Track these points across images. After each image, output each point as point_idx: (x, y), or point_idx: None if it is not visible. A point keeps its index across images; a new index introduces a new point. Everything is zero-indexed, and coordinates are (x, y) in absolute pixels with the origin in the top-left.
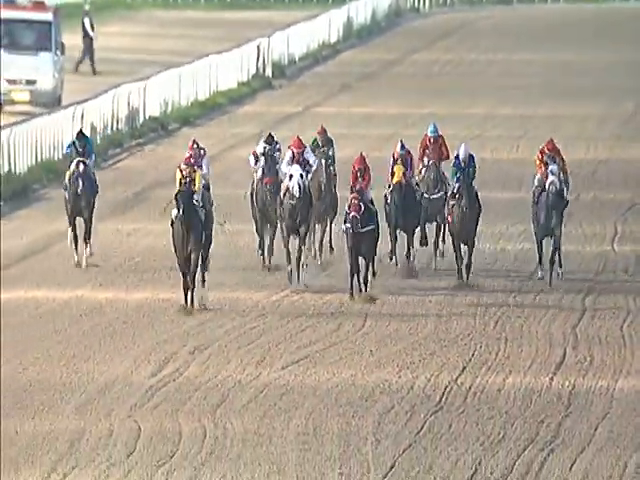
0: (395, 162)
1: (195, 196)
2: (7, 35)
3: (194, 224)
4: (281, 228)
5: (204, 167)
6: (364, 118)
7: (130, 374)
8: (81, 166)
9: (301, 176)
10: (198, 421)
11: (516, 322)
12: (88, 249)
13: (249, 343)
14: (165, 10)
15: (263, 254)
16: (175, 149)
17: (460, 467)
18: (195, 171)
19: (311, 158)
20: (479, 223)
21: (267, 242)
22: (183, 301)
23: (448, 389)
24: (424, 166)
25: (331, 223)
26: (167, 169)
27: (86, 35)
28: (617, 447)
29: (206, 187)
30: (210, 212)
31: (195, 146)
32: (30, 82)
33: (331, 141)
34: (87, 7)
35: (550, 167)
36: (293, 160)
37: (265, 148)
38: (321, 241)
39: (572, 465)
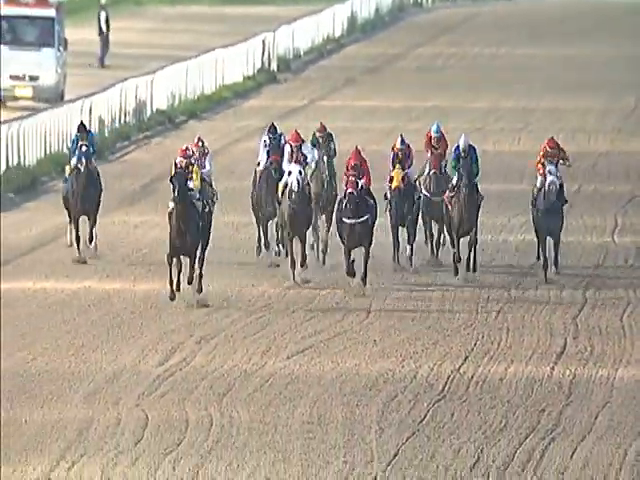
0: (395, 157)
1: (190, 184)
2: (10, 31)
3: (189, 208)
4: (283, 229)
5: (207, 164)
6: (368, 111)
7: (137, 363)
8: (84, 147)
9: (300, 172)
10: (205, 410)
11: (517, 312)
12: (92, 247)
13: (255, 333)
14: (171, 6)
15: (260, 247)
16: (182, 142)
17: (462, 455)
18: (192, 164)
19: (309, 154)
20: (479, 215)
21: (268, 235)
22: (169, 293)
23: (451, 378)
24: (428, 175)
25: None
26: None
27: (102, 31)
28: (617, 435)
29: (209, 184)
30: (210, 211)
31: (200, 144)
32: (33, 78)
33: (331, 136)
34: (103, 1)
35: (548, 167)
36: (292, 155)
37: (269, 138)
38: (326, 236)
39: (573, 453)
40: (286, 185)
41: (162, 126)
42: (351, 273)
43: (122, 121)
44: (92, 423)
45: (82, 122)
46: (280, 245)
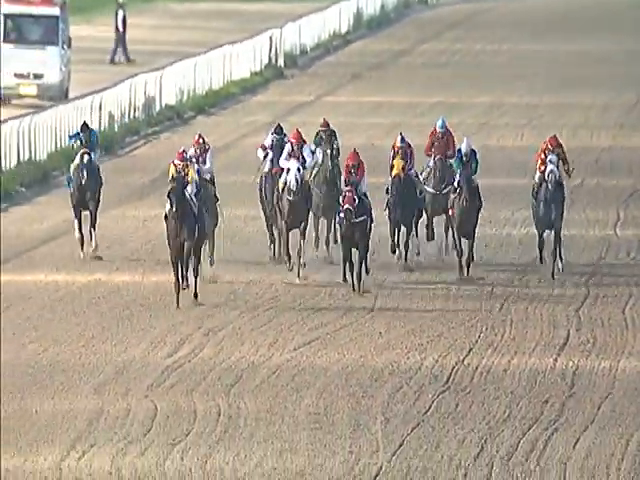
0: (395, 154)
1: (189, 188)
2: (15, 30)
3: (187, 218)
4: (280, 223)
5: (208, 162)
6: (374, 107)
7: (147, 355)
8: (85, 157)
9: (298, 170)
10: (212, 400)
11: (521, 305)
12: (93, 241)
13: (262, 325)
14: (180, 3)
15: (273, 247)
16: (190, 137)
17: (467, 445)
18: (188, 166)
19: (308, 157)
20: (479, 217)
21: (275, 236)
22: (175, 302)
23: (455, 370)
24: (433, 162)
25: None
26: None
27: (118, 28)
28: (619, 426)
29: (211, 181)
30: (206, 211)
31: (201, 141)
32: (37, 76)
33: (334, 133)
34: (121, 0)
35: (549, 157)
36: (291, 154)
37: (274, 139)
38: (327, 234)
39: (575, 443)
40: (285, 182)
41: (171, 121)
42: (346, 280)
43: (131, 116)
44: (102, 413)
45: (85, 122)
46: (272, 245)
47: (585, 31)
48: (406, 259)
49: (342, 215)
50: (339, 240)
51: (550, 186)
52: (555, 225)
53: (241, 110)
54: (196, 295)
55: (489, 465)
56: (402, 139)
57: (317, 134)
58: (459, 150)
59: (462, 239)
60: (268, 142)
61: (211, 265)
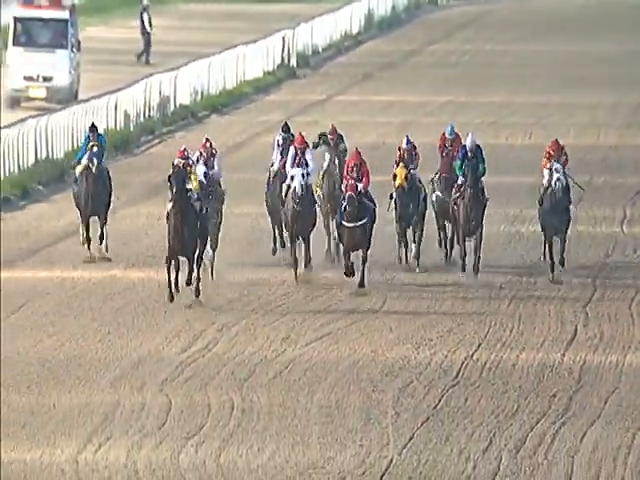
0: (400, 157)
1: (188, 184)
2: (25, 33)
3: (187, 209)
4: (287, 231)
5: (215, 166)
6: (385, 106)
7: (161, 350)
8: (94, 161)
9: (302, 176)
10: (226, 395)
11: (529, 301)
12: (103, 246)
13: (274, 321)
14: (194, 3)
15: (275, 246)
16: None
17: (475, 439)
18: (191, 166)
19: (311, 162)
20: (484, 216)
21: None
22: (168, 295)
23: (464, 365)
24: (438, 178)
25: None
26: None
27: (144, 30)
28: (626, 420)
29: (218, 184)
30: (211, 211)
31: (208, 145)
32: (47, 79)
33: (341, 137)
34: (146, 2)
35: (555, 166)
36: (295, 158)
37: (280, 137)
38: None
39: (583, 437)
40: (289, 187)
41: (185, 120)
42: (350, 274)
43: (147, 116)
44: (118, 407)
45: (93, 123)
46: (275, 242)
47: (592, 31)
48: (418, 263)
49: (343, 208)
50: (339, 241)
51: (557, 192)
52: (561, 231)
53: (254, 109)
54: (198, 293)
55: (498, 458)
56: (408, 141)
57: (319, 137)
58: (464, 146)
59: (467, 239)
60: (277, 140)
61: (211, 264)
